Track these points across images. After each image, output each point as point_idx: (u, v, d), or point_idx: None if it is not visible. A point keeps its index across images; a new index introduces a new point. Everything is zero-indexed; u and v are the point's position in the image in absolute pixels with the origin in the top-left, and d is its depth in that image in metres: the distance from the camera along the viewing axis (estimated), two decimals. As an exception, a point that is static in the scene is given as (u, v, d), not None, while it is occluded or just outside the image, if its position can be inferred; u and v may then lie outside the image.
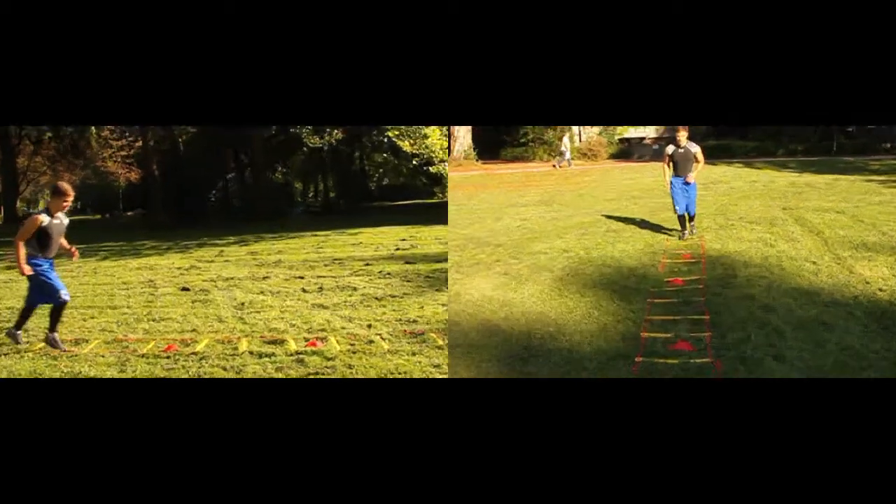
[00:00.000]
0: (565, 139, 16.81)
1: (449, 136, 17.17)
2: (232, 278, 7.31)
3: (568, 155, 16.41)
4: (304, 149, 17.86)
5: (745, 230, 6.41)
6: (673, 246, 5.88)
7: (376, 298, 5.70)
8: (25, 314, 4.44)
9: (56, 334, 4.38)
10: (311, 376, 3.67)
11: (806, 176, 11.42)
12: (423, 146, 15.85)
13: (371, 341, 4.31)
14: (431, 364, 3.77)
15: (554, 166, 16.41)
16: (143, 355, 4.18)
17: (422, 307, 5.26)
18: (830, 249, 5.38)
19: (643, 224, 7.16)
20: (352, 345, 4.24)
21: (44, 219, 4.26)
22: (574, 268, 5.36)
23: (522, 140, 18.70)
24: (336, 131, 16.47)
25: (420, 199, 21.84)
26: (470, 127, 17.34)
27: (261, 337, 4.56)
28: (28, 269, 4.22)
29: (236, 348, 4.26)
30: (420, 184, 20.51)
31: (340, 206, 19.91)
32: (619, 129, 19.38)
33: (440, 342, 4.17)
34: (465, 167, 16.92)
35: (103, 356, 4.20)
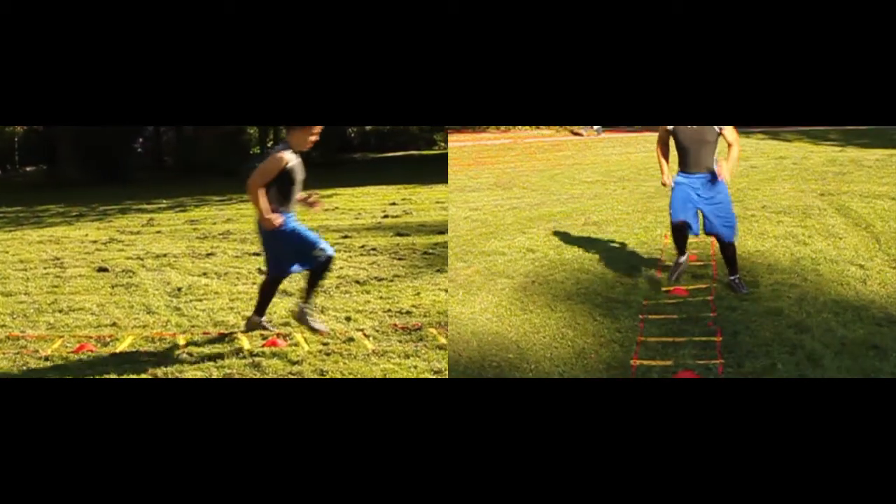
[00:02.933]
0: None
1: None
2: (165, 255, 6.74)
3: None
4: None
5: (770, 223, 6.15)
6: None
7: (357, 282, 5.28)
8: (269, 291, 3.99)
9: (307, 308, 3.97)
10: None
11: (851, 150, 10.97)
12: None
13: (351, 339, 3.96)
14: (431, 369, 3.49)
15: (577, 134, 15.84)
16: (46, 358, 3.79)
17: (418, 294, 4.83)
18: (884, 249, 5.12)
19: (635, 213, 6.80)
20: (325, 344, 3.90)
21: (289, 157, 3.74)
22: (541, 273, 4.95)
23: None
24: None
25: (415, 148, 20.83)
26: None
27: (203, 333, 4.18)
28: (279, 218, 3.73)
29: (171, 348, 3.92)
30: (415, 129, 19.62)
31: (310, 159, 18.88)
32: None
33: (442, 340, 3.85)
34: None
35: (-8, 358, 3.79)
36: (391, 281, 5.23)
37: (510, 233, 6.28)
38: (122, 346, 3.93)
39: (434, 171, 12.93)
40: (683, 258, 4.52)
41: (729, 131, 4.15)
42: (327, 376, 3.43)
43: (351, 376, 3.42)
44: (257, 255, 6.46)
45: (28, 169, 19.37)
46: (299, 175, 3.82)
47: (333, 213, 9.19)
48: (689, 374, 3.28)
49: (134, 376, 3.47)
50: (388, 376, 3.40)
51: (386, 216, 8.67)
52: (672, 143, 4.34)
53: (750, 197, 7.25)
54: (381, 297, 4.76)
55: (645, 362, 3.41)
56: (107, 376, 3.49)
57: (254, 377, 3.45)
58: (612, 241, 5.73)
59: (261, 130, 21.40)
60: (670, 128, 4.25)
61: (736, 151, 4.22)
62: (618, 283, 4.64)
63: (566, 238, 5.94)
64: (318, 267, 3.88)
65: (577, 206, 7.41)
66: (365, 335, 3.99)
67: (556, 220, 6.80)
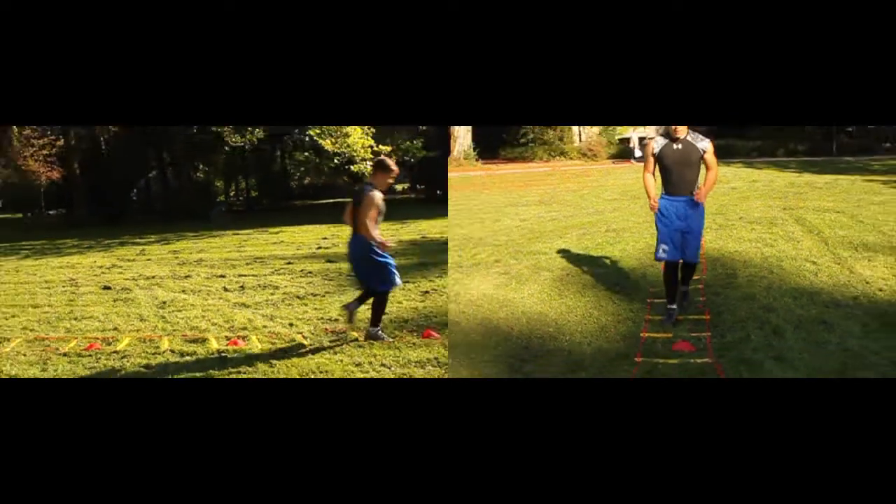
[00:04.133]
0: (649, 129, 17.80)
1: (449, 136, 18.59)
2: (153, 277, 7.84)
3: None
4: (226, 147, 18.86)
5: (745, 230, 6.79)
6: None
7: (298, 297, 6.15)
8: (382, 305, 4.51)
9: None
10: (234, 375, 3.99)
11: (806, 176, 12.33)
12: (345, 145, 16.67)
13: (292, 340, 4.69)
14: (353, 363, 4.07)
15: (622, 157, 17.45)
16: (64, 354, 4.56)
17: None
18: (830, 249, 5.72)
19: (644, 223, 7.48)
20: (273, 343, 4.64)
21: (379, 195, 4.30)
22: (574, 268, 5.72)
23: (522, 140, 21.07)
24: (258, 129, 17.45)
25: (342, 197, 22.38)
26: (470, 127, 18.95)
27: (182, 336, 4.97)
28: (391, 241, 4.35)
29: (158, 347, 4.67)
30: (342, 182, 21.27)
31: (262, 205, 21.33)
32: (620, 129, 21.26)
33: (362, 340, 4.54)
34: (465, 167, 18.57)
35: (24, 355, 4.59)
36: (323, 296, 6.11)
37: (550, 237, 7.19)
38: (122, 345, 4.73)
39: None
40: (675, 310, 4.29)
41: (710, 155, 4.11)
42: (275, 367, 4.00)
43: (294, 368, 3.97)
44: (222, 276, 7.61)
45: (51, 212, 21.26)
46: (384, 209, 4.39)
47: (280, 245, 10.56)
48: (686, 344, 3.75)
49: (130, 369, 4.16)
50: (321, 368, 3.95)
51: (319, 248, 9.87)
52: (657, 170, 4.23)
53: (730, 211, 8.11)
54: (315, 309, 5.62)
55: (651, 334, 3.96)
56: (110, 367, 4.22)
57: (222, 372, 4.00)
58: (627, 244, 6.46)
59: (225, 183, 23.08)
60: (656, 152, 4.14)
61: (713, 175, 4.16)
62: (631, 274, 5.35)
63: (592, 241, 6.80)
64: (376, 294, 4.46)
65: (600, 218, 8.35)
66: (303, 337, 4.72)
67: (585, 228, 7.70)
